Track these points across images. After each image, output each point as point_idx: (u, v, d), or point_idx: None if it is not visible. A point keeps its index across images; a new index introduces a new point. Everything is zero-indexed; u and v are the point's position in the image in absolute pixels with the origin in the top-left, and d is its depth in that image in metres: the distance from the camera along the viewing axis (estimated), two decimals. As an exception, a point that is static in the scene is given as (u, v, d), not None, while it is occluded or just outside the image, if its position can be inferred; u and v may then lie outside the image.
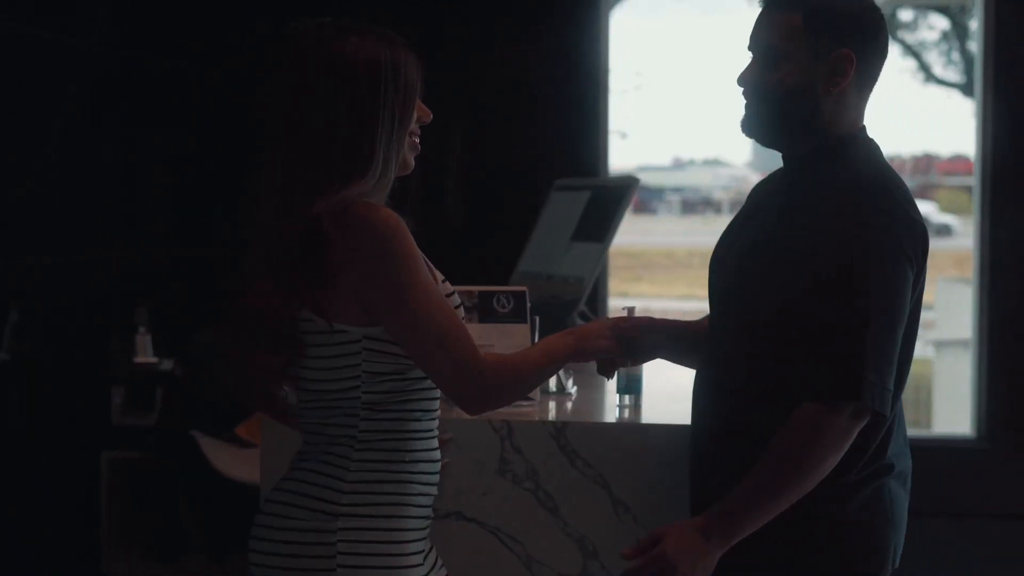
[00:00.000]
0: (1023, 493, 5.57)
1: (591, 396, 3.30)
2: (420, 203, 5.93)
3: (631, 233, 29.99)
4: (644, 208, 36.79)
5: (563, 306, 3.96)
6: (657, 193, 37.73)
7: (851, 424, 2.35)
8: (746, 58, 2.57)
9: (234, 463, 4.55)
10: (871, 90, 2.54)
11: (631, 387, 3.14)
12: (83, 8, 5.19)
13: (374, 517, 2.38)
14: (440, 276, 2.49)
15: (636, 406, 3.13)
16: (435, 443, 2.45)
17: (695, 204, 37.27)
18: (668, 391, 3.58)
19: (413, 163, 2.54)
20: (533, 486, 2.93)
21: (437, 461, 2.46)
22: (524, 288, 3.18)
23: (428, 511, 2.46)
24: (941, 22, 16.85)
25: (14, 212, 4.76)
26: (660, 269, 26.39)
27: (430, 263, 2.45)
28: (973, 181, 5.66)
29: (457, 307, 2.45)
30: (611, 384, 3.20)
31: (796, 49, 2.46)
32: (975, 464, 5.60)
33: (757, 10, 2.59)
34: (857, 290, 2.36)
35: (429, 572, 2.45)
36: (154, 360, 5.18)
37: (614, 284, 22.54)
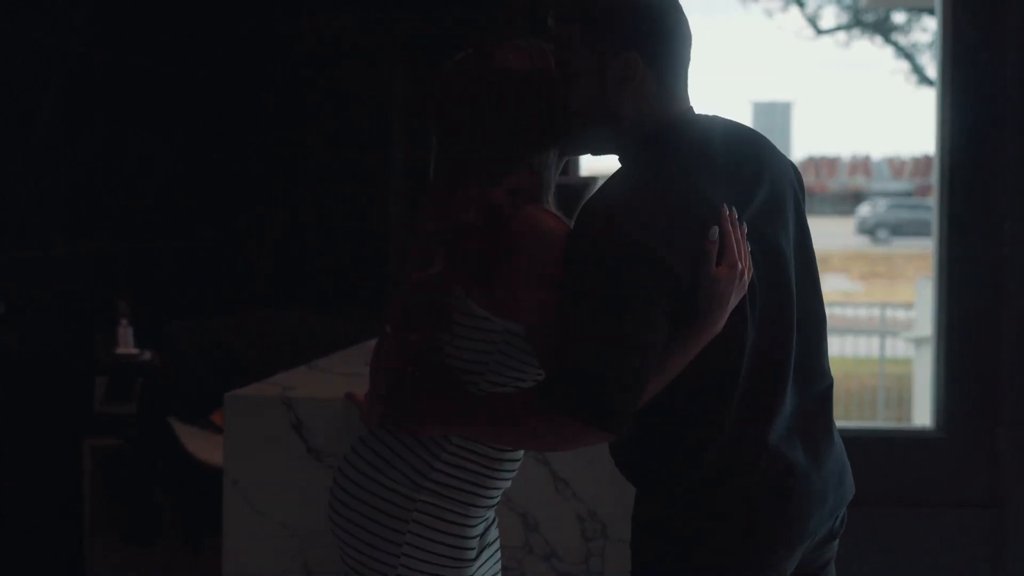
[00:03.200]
0: (977, 482, 5.69)
1: (540, 381, 3.44)
2: (406, 204, 6.05)
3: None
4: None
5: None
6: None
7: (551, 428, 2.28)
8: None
9: (209, 449, 4.68)
10: (680, 75, 2.45)
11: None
12: (63, 7, 5.27)
13: (453, 500, 2.52)
14: None
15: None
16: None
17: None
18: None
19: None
20: (479, 464, 3.09)
21: (518, 460, 2.60)
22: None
23: (496, 503, 2.60)
24: (933, 24, 16.96)
25: None
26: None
27: None
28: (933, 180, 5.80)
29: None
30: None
31: (576, 60, 2.41)
32: (933, 454, 5.73)
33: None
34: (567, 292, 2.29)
35: (478, 556, 2.58)
36: (135, 351, 5.28)
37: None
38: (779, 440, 2.41)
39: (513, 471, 2.60)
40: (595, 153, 2.52)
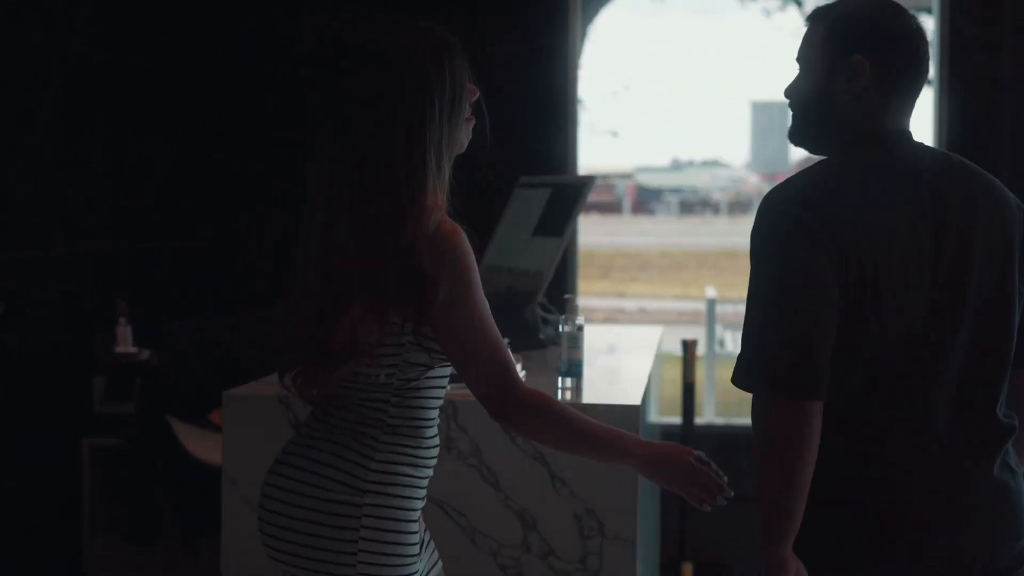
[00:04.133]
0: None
1: (537, 381, 3.45)
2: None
3: (628, 234, 30.07)
4: (642, 209, 36.87)
5: (522, 297, 4.10)
6: (655, 194, 37.81)
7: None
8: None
9: (208, 448, 4.69)
10: (903, 94, 2.60)
11: (572, 371, 3.30)
12: (63, 7, 5.29)
13: (395, 496, 2.54)
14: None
15: (577, 389, 3.29)
16: (437, 430, 2.62)
17: (693, 205, 37.33)
18: (607, 375, 3.77)
19: (469, 137, 2.71)
20: (477, 462, 3.10)
21: (439, 446, 2.64)
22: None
23: (425, 492, 2.62)
24: (930, 23, 16.99)
25: None
26: (656, 269, 26.46)
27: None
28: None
29: None
30: (556, 368, 3.37)
31: (816, 58, 2.63)
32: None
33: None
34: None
35: (422, 544, 2.62)
36: (134, 350, 5.30)
37: (610, 284, 22.55)
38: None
39: (436, 456, 2.62)
40: (807, 146, 2.70)
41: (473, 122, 2.71)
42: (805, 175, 2.57)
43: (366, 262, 2.47)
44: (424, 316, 2.47)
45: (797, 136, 2.70)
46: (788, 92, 2.70)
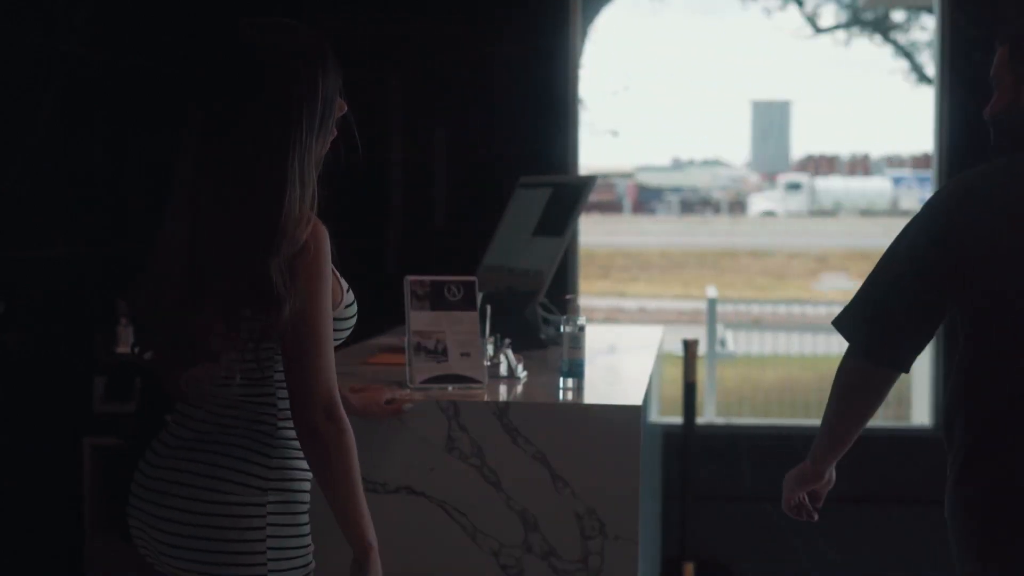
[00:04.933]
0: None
1: (538, 381, 3.46)
2: (404, 200, 6.07)
3: (629, 234, 30.09)
4: (643, 208, 36.88)
5: (523, 297, 4.10)
6: (656, 193, 37.82)
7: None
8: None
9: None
10: None
11: (574, 371, 3.30)
12: (63, 8, 5.29)
13: (294, 491, 2.58)
14: (345, 285, 2.70)
15: (578, 389, 3.29)
16: None
17: (694, 204, 37.34)
18: (608, 375, 3.77)
19: (325, 151, 2.67)
20: (478, 462, 3.10)
21: None
22: (473, 278, 3.33)
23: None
24: (932, 23, 16.99)
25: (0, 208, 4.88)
26: (657, 269, 26.47)
27: (337, 272, 2.65)
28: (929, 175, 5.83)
29: (350, 309, 2.71)
30: (558, 368, 3.37)
31: (1003, 75, 2.85)
32: (931, 453, 5.75)
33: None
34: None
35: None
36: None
37: (611, 284, 22.57)
38: None
39: None
40: (996, 154, 2.88)
41: (335, 135, 2.69)
42: (982, 170, 2.83)
43: (223, 264, 2.47)
44: (270, 322, 2.46)
45: (997, 151, 2.88)
46: (987, 112, 2.91)
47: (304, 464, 2.58)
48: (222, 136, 2.51)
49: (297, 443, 2.56)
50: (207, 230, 2.50)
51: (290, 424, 2.54)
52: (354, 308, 2.73)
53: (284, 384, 2.55)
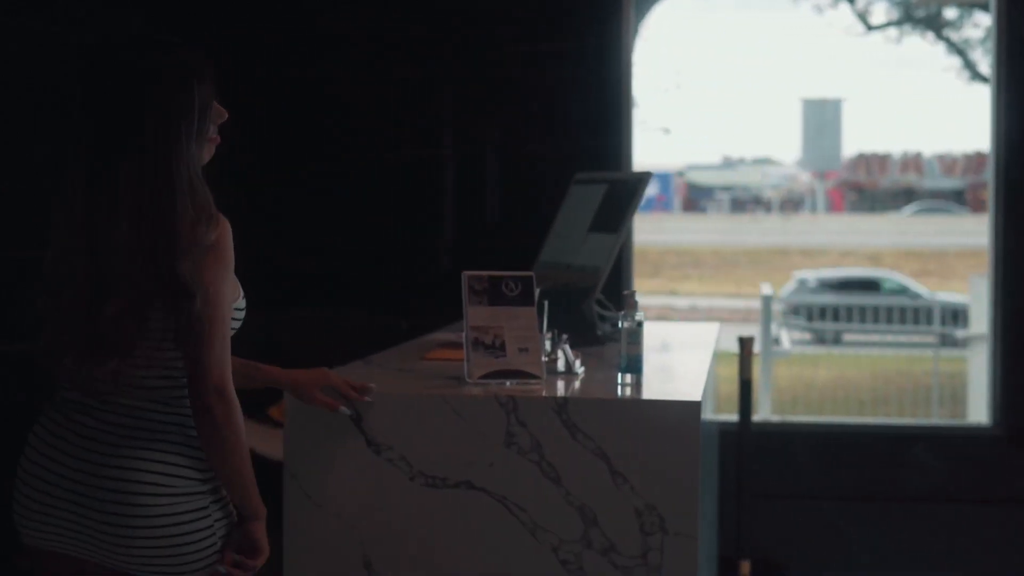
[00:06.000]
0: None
1: (596, 376, 3.46)
2: (458, 197, 6.08)
3: (680, 232, 30.04)
4: (693, 206, 36.82)
5: (579, 293, 4.10)
6: (707, 192, 37.76)
7: None
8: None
9: (267, 443, 4.71)
10: None
11: (632, 367, 3.30)
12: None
13: (214, 478, 2.81)
14: (239, 288, 2.87)
15: (637, 385, 3.29)
16: None
17: (745, 203, 37.25)
18: (667, 371, 3.76)
19: (211, 156, 2.85)
20: (537, 458, 3.10)
21: None
22: (531, 273, 3.33)
23: None
24: (986, 19, 16.85)
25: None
26: (708, 267, 26.43)
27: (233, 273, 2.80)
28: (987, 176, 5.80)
29: (241, 310, 2.88)
30: (616, 364, 3.36)
31: None
32: (988, 451, 5.72)
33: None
34: None
35: None
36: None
37: (662, 282, 22.57)
38: None
39: None
40: None
41: (218, 142, 2.85)
42: None
43: (127, 269, 2.67)
44: (183, 314, 2.67)
45: None
46: None
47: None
48: (111, 151, 2.69)
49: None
50: (106, 239, 2.68)
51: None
52: (243, 309, 2.90)
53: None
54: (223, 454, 2.73)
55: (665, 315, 18.01)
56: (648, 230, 27.33)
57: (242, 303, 2.89)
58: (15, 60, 4.89)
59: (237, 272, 2.80)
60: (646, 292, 20.37)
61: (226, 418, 2.70)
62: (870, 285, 19.29)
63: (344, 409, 3.12)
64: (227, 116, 2.87)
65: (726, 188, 38.06)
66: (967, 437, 5.91)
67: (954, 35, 18.74)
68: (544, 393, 3.17)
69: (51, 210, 2.80)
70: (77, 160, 2.73)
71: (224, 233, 2.72)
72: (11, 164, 4.83)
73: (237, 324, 2.88)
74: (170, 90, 2.71)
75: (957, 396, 11.56)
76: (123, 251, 2.66)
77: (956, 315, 14.50)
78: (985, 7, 12.92)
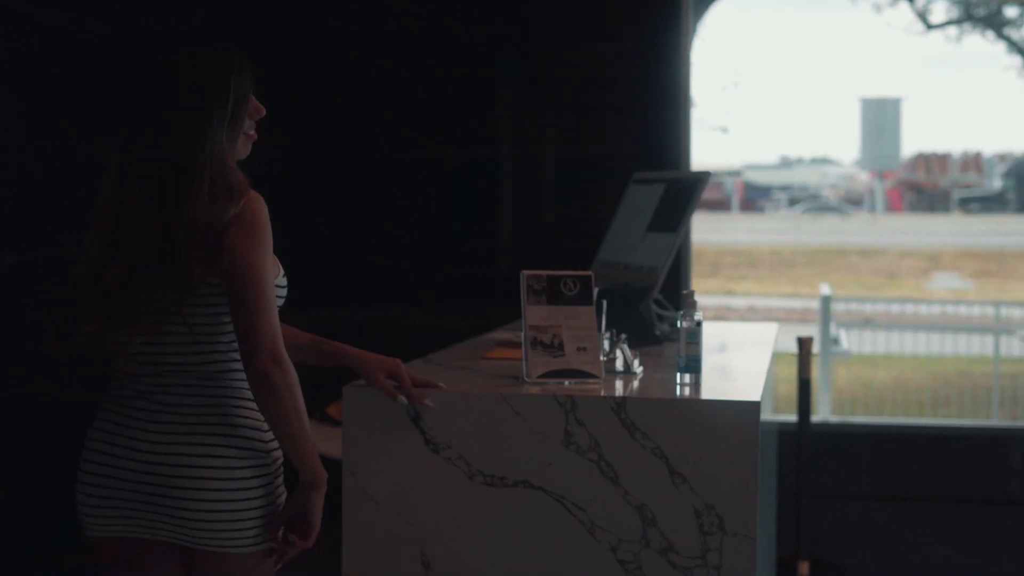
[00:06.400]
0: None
1: (655, 376, 3.45)
2: (515, 196, 6.08)
3: (738, 231, 29.93)
4: (751, 206, 36.66)
5: (637, 293, 4.10)
6: (764, 191, 37.58)
7: None
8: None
9: (325, 441, 4.72)
10: None
11: (691, 366, 3.29)
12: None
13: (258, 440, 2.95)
14: (279, 266, 3.00)
15: (696, 384, 3.28)
16: None
17: (802, 202, 37.03)
18: (725, 371, 3.75)
19: (247, 152, 3.00)
20: (596, 457, 3.09)
21: None
22: (590, 272, 3.33)
23: None
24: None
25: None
26: (766, 267, 26.31)
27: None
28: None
29: (283, 287, 3.01)
30: (674, 364, 3.36)
31: None
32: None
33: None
34: None
35: None
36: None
37: (719, 282, 22.51)
38: None
39: None
40: None
41: (254, 138, 3.00)
42: None
43: (131, 236, 2.84)
44: (179, 285, 2.82)
45: None
46: None
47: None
48: (141, 136, 2.86)
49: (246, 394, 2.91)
50: (126, 214, 2.85)
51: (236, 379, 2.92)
52: (285, 287, 3.03)
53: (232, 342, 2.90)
54: (283, 418, 2.82)
55: (723, 315, 17.94)
56: (705, 230, 27.26)
57: (283, 280, 2.99)
58: (70, 58, 4.92)
59: (298, 266, 2.87)
60: (703, 292, 20.27)
61: (284, 382, 2.79)
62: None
63: (402, 399, 3.14)
64: (264, 113, 2.99)
65: (784, 188, 37.87)
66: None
67: (1014, 34, 18.60)
68: (603, 393, 3.17)
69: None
70: (114, 144, 2.90)
71: (252, 208, 2.83)
72: (61, 164, 4.86)
73: (280, 301, 2.97)
74: (205, 78, 2.86)
75: (1018, 398, 11.47)
76: (136, 223, 2.83)
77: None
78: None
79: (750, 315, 18.90)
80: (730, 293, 22.55)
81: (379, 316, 5.93)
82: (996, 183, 35.01)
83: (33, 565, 3.93)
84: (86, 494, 2.95)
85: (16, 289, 4.37)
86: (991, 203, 31.71)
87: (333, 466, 3.46)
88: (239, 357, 2.88)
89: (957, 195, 33.98)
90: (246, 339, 2.79)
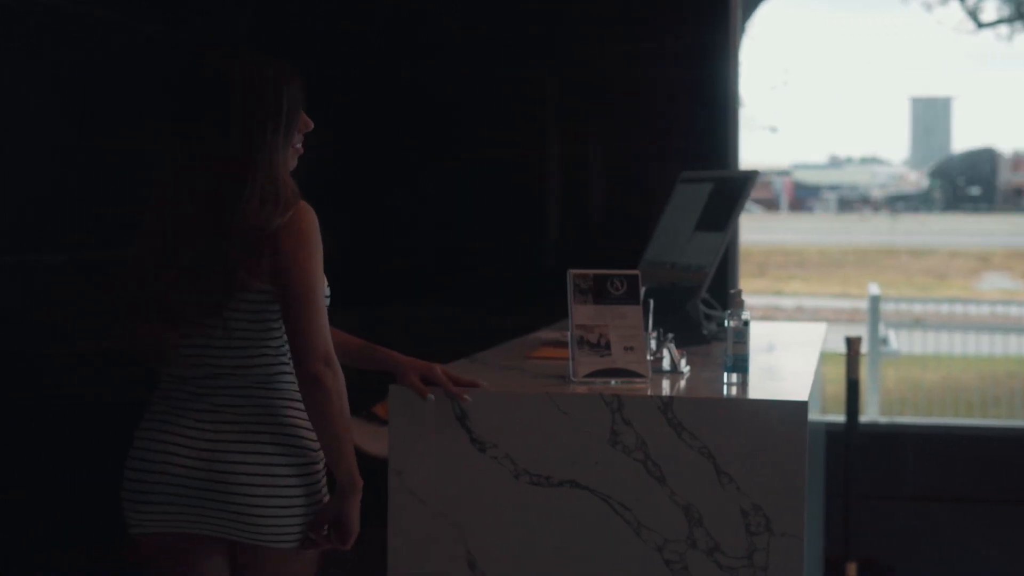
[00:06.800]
0: None
1: (702, 376, 3.44)
2: (562, 196, 6.08)
3: (786, 231, 29.84)
4: (800, 206, 36.54)
5: (685, 292, 4.08)
6: (813, 191, 37.45)
7: None
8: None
9: (372, 439, 4.73)
10: None
11: (738, 366, 3.28)
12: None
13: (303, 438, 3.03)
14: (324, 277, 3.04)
15: (743, 384, 3.27)
16: None
17: (852, 202, 36.91)
18: (773, 371, 3.73)
19: (295, 164, 3.07)
20: (642, 456, 3.09)
21: None
22: (636, 272, 3.32)
23: None
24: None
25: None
26: (814, 267, 26.21)
27: None
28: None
29: (327, 296, 3.05)
30: (721, 363, 3.35)
31: None
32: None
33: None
34: None
35: None
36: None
37: (768, 282, 22.45)
38: None
39: None
40: None
41: (301, 152, 3.08)
42: None
43: (185, 240, 2.92)
44: (224, 290, 2.90)
45: None
46: None
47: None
48: (196, 144, 2.94)
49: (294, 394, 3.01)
50: (179, 216, 2.93)
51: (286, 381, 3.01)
52: (329, 296, 3.08)
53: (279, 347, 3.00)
54: (330, 420, 2.92)
55: (771, 315, 17.89)
56: (754, 230, 27.17)
57: (327, 290, 3.05)
58: (116, 58, 4.94)
59: (340, 267, 2.90)
60: (752, 292, 20.25)
61: (335, 384, 2.90)
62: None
63: (431, 396, 3.19)
64: (312, 127, 3.07)
65: (833, 187, 37.74)
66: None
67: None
68: (649, 392, 3.16)
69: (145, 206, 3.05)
70: (166, 151, 2.98)
71: (303, 217, 2.93)
72: (109, 163, 4.88)
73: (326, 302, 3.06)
74: (261, 91, 2.94)
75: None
76: (189, 227, 2.91)
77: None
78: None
79: (798, 315, 18.84)
80: (778, 293, 22.48)
81: (426, 315, 5.93)
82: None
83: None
84: (135, 491, 3.02)
85: (58, 289, 4.39)
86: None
87: (380, 465, 3.46)
88: (287, 360, 2.98)
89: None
90: (299, 343, 2.88)
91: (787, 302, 21.02)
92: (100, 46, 4.63)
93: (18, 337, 4.24)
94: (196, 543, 3.04)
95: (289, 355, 2.96)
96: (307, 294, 2.89)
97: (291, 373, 2.99)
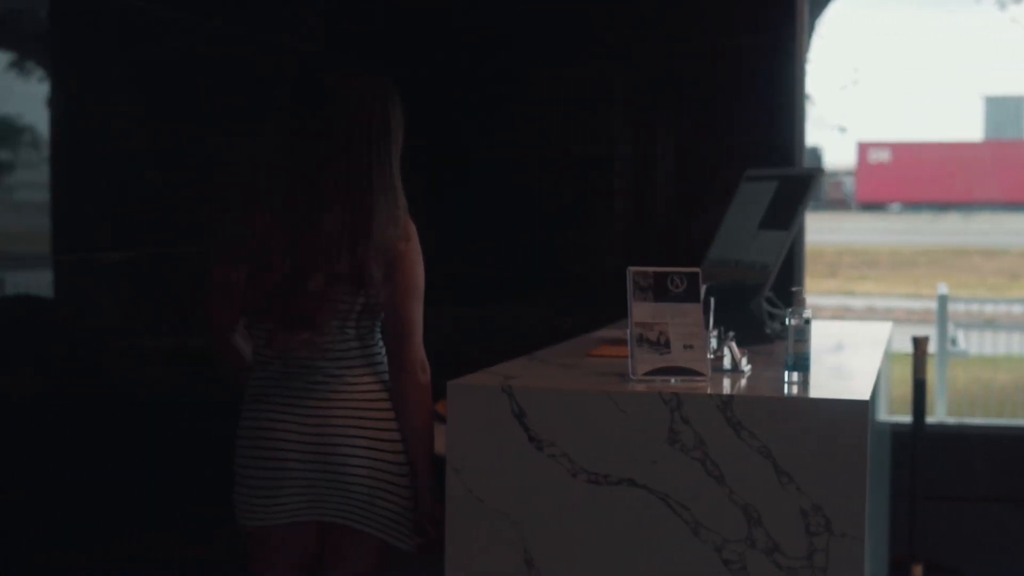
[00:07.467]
0: None
1: (763, 375, 3.41)
2: (628, 193, 6.06)
3: (857, 232, 29.64)
4: (871, 206, 36.25)
5: (748, 291, 4.06)
6: (884, 191, 37.13)
7: None
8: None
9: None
10: None
11: (799, 365, 3.25)
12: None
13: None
14: None
15: (804, 383, 3.24)
16: None
17: (921, 203, 36.59)
18: (836, 370, 3.70)
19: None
20: (701, 455, 3.06)
21: None
22: (697, 269, 3.30)
23: None
24: None
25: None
26: (886, 267, 26.01)
27: None
28: None
29: None
30: (783, 362, 3.32)
31: None
32: None
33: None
34: None
35: None
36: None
37: (838, 283, 22.31)
38: None
39: None
40: None
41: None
42: None
43: (326, 254, 3.27)
44: (370, 299, 3.33)
45: None
46: None
47: None
48: (322, 153, 3.26)
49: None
50: (309, 225, 3.25)
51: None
52: None
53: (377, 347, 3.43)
54: (422, 417, 3.45)
55: (841, 315, 17.76)
56: (825, 230, 27.00)
57: None
58: (189, 58, 4.96)
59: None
60: (823, 292, 20.14)
61: (429, 385, 3.45)
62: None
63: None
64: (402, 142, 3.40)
65: (905, 187, 37.40)
66: None
67: None
68: (709, 390, 3.14)
69: (242, 202, 3.39)
70: (287, 159, 3.28)
71: (413, 229, 3.37)
72: (184, 164, 4.90)
73: None
74: (377, 107, 3.29)
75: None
76: (325, 238, 3.23)
77: None
78: None
79: (869, 315, 18.71)
80: (849, 293, 22.33)
81: (487, 313, 5.92)
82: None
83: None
84: (251, 486, 3.33)
85: (122, 286, 4.42)
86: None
87: (438, 463, 3.47)
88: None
89: None
90: (404, 349, 3.37)
91: (858, 303, 20.86)
92: (161, 43, 4.65)
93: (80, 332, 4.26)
94: (312, 530, 3.42)
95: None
96: (417, 303, 3.40)
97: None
